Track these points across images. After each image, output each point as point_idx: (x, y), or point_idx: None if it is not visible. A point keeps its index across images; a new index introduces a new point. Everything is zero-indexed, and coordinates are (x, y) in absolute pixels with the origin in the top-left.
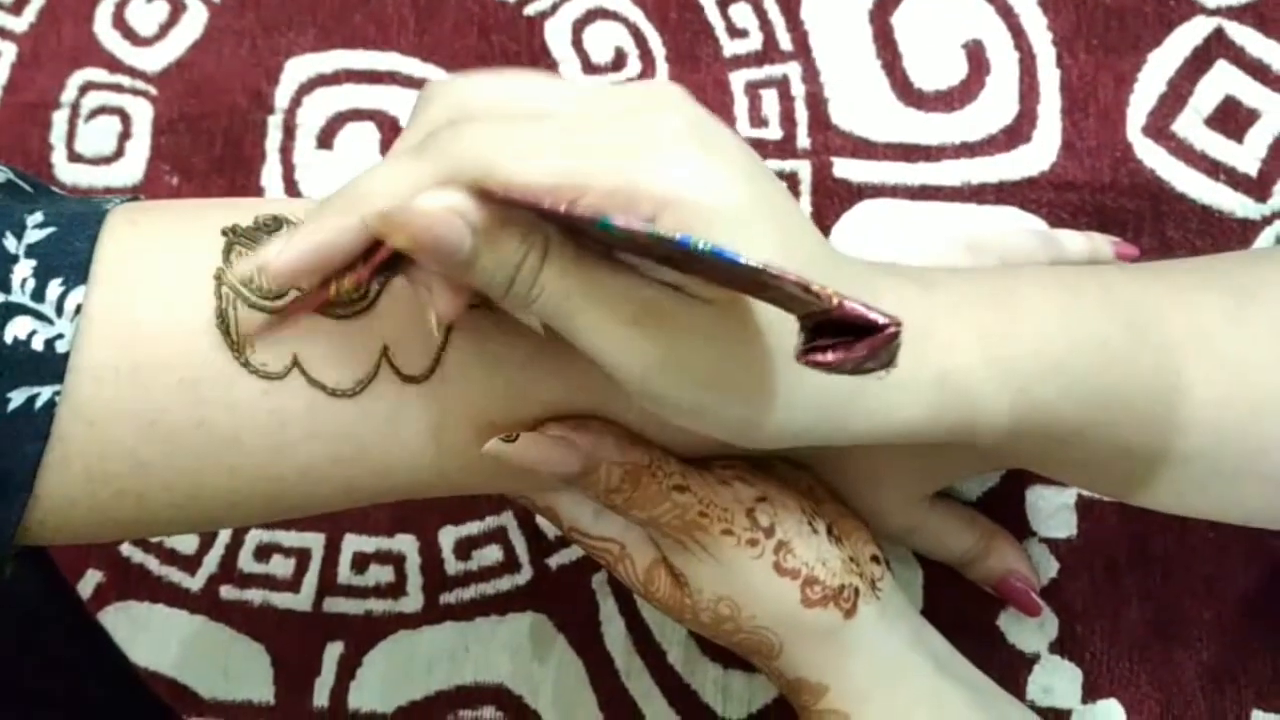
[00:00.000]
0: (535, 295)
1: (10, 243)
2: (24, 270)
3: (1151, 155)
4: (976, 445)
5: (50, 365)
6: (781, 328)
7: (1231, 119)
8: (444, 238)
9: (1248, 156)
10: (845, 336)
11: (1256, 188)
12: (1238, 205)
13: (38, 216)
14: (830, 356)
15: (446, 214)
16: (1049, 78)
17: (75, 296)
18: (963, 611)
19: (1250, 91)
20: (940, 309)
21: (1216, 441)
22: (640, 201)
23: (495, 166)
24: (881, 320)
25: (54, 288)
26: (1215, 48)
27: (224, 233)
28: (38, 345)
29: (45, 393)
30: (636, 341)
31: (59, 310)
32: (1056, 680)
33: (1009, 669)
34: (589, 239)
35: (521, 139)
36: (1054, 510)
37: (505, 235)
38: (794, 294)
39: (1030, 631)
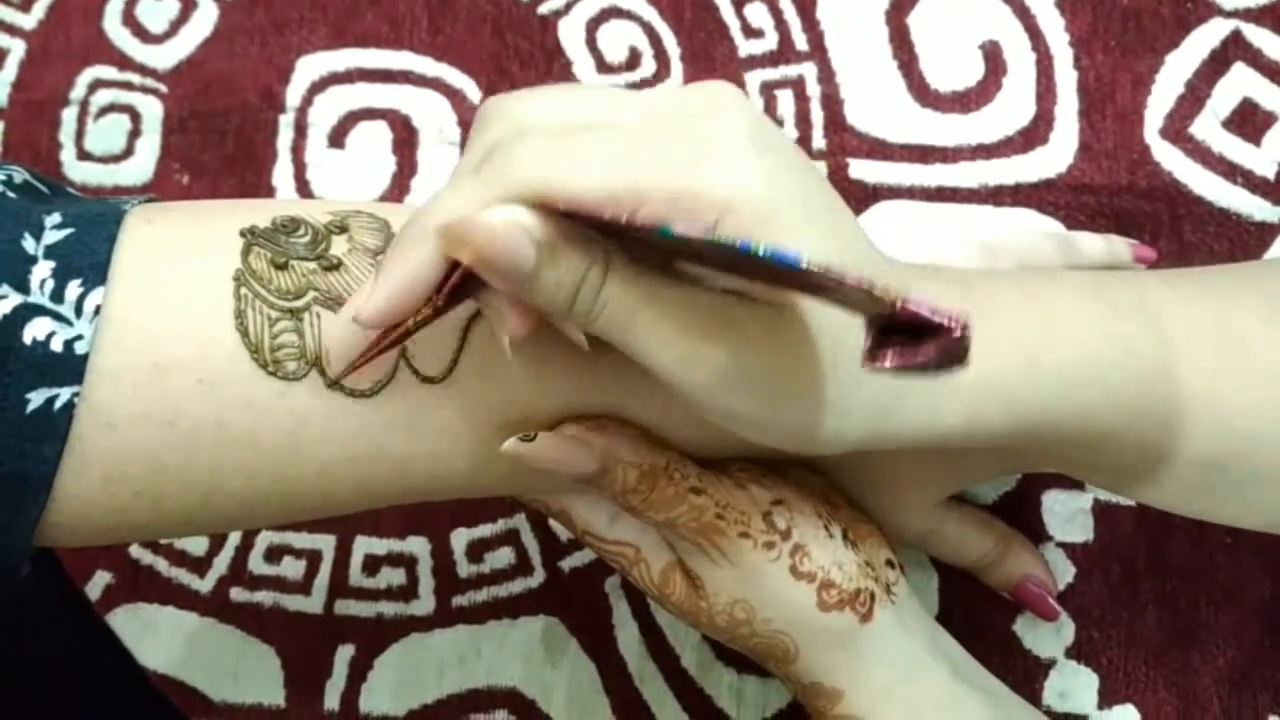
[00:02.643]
0: (598, 311)
1: (29, 244)
2: (43, 271)
3: (1169, 158)
4: (1011, 447)
5: (69, 366)
6: (837, 334)
7: (1249, 122)
8: (508, 252)
9: (1265, 159)
10: (910, 337)
11: (1274, 191)
12: (1255, 208)
13: (56, 217)
14: (890, 361)
15: (509, 228)
16: (1066, 79)
17: (94, 298)
18: (979, 616)
19: (1268, 94)
20: (979, 313)
21: (1249, 448)
22: (701, 208)
23: (553, 180)
24: (946, 322)
25: (73, 289)
26: (1233, 50)
27: (242, 234)
28: (57, 346)
29: (64, 394)
30: (698, 353)
31: (78, 311)
32: (1073, 685)
33: (1025, 674)
34: (648, 249)
35: (579, 151)
36: (1071, 515)
37: (567, 250)
38: (856, 296)
39: (1047, 636)
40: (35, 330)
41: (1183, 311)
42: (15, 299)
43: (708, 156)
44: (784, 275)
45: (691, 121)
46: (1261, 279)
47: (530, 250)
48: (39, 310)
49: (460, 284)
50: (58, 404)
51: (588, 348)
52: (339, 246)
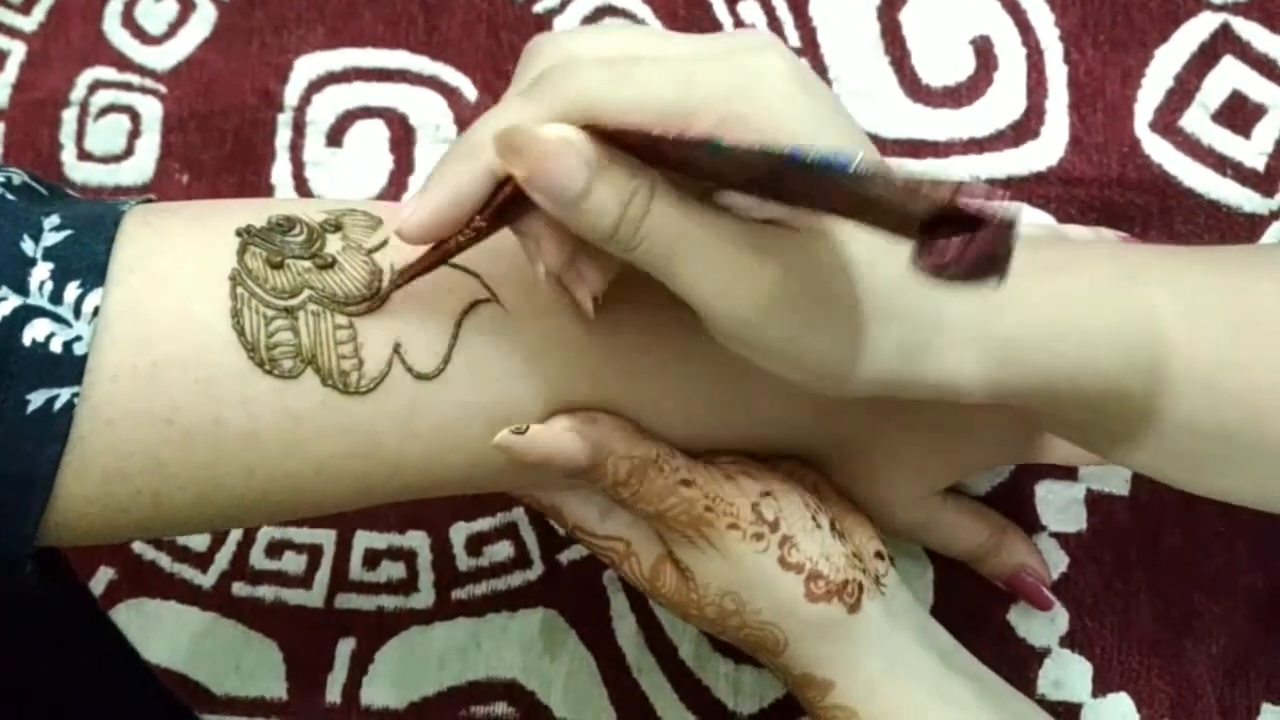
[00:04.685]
0: (641, 237)
1: (28, 246)
2: (42, 273)
3: (1159, 150)
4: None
5: (69, 367)
6: (872, 265)
7: (1238, 114)
8: (559, 169)
9: (1254, 151)
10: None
11: (1264, 182)
12: (1245, 200)
13: (54, 219)
14: (948, 254)
15: (563, 145)
16: (1056, 73)
17: (93, 299)
18: (974, 606)
19: (1257, 87)
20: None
21: (1259, 417)
22: (746, 133)
23: (607, 101)
24: (1000, 211)
25: (72, 290)
26: (1222, 43)
27: (238, 233)
28: (56, 347)
29: (64, 394)
30: (739, 281)
31: (77, 312)
32: (1067, 674)
33: (1020, 663)
34: (690, 183)
35: (630, 75)
36: (1064, 505)
37: (615, 174)
38: (901, 204)
39: (1041, 626)
40: (35, 332)
41: (1200, 282)
42: (15, 301)
43: (754, 87)
44: (829, 192)
45: (737, 56)
46: (1277, 258)
47: (581, 169)
48: (38, 312)
49: (504, 206)
50: (58, 404)
51: (592, 314)
52: (333, 245)
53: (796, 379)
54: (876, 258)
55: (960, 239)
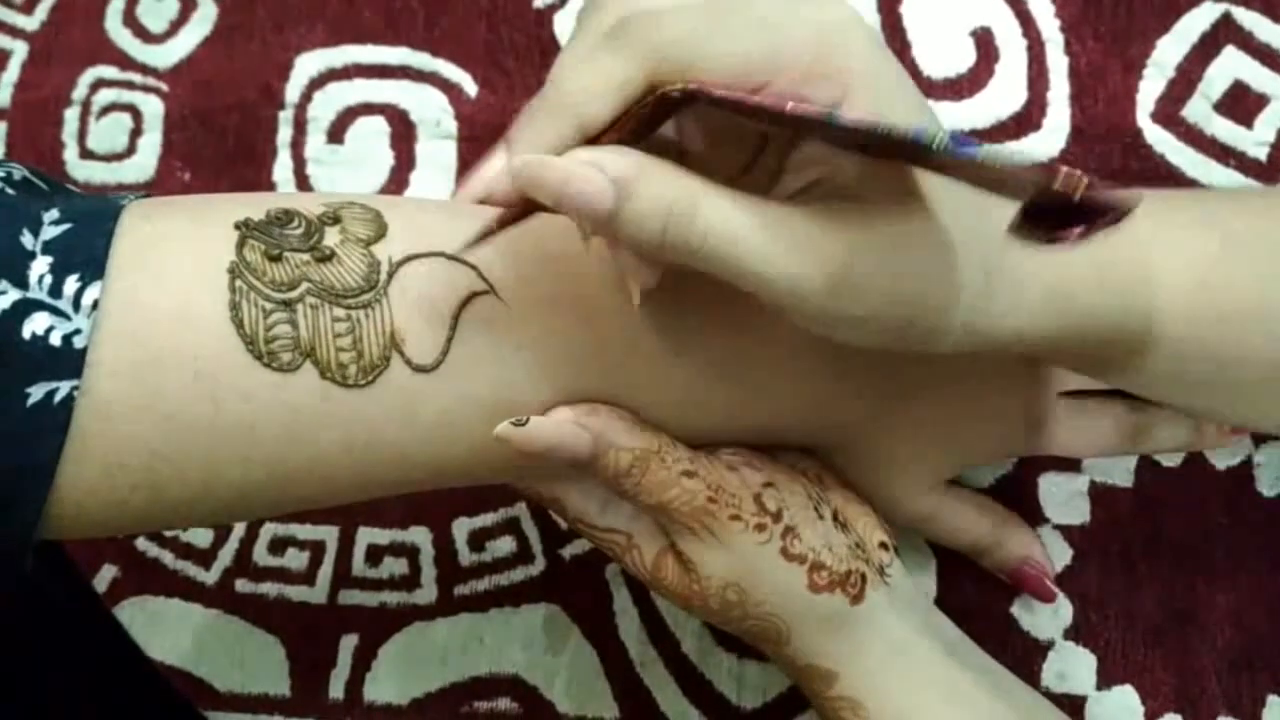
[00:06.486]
0: (698, 242)
1: (28, 239)
2: (41, 267)
3: (1161, 141)
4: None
5: (68, 360)
6: (952, 229)
7: (1240, 104)
8: (584, 191)
9: (1256, 141)
10: (1061, 213)
11: (1266, 172)
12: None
13: (54, 213)
14: (1075, 234)
15: (583, 168)
16: (1057, 65)
17: (92, 292)
18: (977, 599)
19: (1259, 76)
20: None
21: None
22: (834, 77)
23: (699, 52)
24: (1125, 203)
25: (71, 284)
26: (1223, 33)
27: (237, 227)
28: (55, 341)
29: (64, 387)
30: (809, 264)
31: (76, 306)
32: (1071, 667)
33: (1024, 656)
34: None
35: (721, 25)
36: (1067, 497)
37: (648, 183)
38: (1015, 182)
39: (1045, 618)
40: (34, 325)
41: (1183, 216)
42: (14, 294)
43: (844, 42)
44: (939, 167)
45: (825, 10)
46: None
47: (606, 187)
48: (38, 305)
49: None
50: (57, 397)
51: (638, 305)
52: (331, 238)
53: (882, 345)
54: (943, 218)
55: (1094, 223)
